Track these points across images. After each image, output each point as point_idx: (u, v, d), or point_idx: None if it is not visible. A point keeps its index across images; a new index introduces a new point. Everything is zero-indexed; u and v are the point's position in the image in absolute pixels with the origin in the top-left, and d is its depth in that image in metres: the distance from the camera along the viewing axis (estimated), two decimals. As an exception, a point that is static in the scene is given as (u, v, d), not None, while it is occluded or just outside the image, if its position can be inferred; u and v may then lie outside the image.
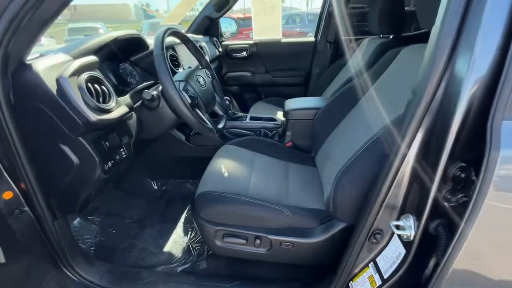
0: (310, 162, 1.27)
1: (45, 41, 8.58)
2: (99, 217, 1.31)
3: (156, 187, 1.60)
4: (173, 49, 1.37)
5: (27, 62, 0.69)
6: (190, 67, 1.30)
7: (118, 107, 0.85)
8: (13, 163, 0.72)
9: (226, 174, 1.08)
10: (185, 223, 1.35)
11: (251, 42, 2.33)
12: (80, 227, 1.21)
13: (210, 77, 1.19)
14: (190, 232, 1.29)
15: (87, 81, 0.75)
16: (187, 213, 1.41)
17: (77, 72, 0.74)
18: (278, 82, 2.40)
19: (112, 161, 0.88)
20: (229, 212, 0.93)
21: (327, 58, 2.19)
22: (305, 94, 2.36)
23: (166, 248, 1.21)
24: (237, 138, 1.41)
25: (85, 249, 1.16)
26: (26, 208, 0.79)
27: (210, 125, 1.01)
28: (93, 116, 0.73)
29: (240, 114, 1.61)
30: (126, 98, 0.96)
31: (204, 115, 1.01)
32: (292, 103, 1.50)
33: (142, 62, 1.22)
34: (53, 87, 0.69)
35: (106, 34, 0.98)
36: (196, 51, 1.16)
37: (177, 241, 1.25)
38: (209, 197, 0.96)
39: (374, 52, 1.48)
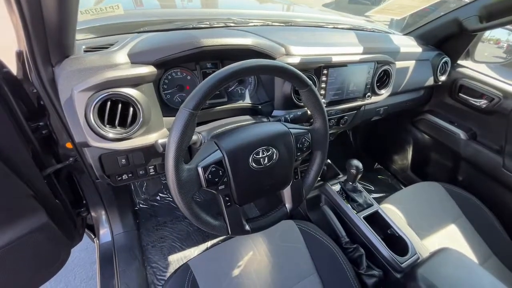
0: None
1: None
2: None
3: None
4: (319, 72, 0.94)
5: (72, 57, 0.65)
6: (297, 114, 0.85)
7: (149, 134, 0.70)
8: None
9: None
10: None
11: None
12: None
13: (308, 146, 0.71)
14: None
15: (103, 100, 0.63)
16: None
17: (97, 87, 0.62)
18: (505, 180, 1.27)
19: (131, 175, 0.80)
20: None
21: None
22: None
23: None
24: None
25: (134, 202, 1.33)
26: (79, 160, 0.94)
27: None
28: (92, 141, 0.64)
29: None
30: None
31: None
32: None
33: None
34: (65, 95, 0.64)
35: (202, 39, 0.75)
36: (311, 102, 0.69)
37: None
38: None
39: None
